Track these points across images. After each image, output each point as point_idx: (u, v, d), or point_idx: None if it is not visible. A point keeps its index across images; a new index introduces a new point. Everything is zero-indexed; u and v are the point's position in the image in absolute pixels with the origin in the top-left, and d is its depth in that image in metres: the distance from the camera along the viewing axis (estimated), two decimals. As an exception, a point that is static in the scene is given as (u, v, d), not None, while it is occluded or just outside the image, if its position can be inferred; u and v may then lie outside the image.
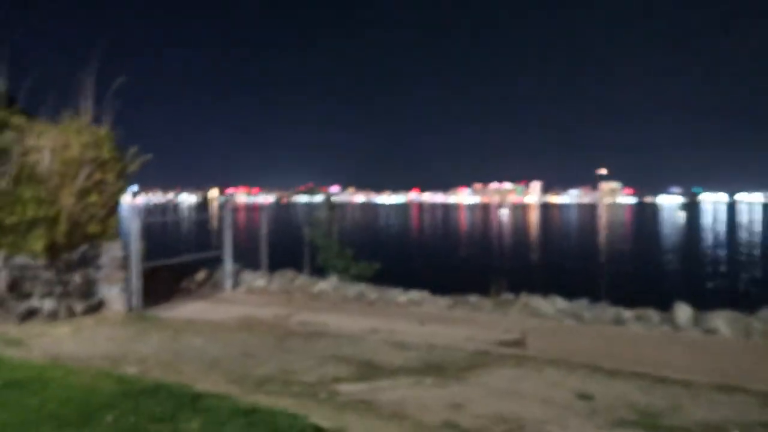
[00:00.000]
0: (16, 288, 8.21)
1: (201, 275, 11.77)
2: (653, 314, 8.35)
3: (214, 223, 12.56)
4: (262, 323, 8.41)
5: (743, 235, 51.59)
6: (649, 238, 48.52)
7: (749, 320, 7.74)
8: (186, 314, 9.00)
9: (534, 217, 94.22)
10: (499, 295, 9.74)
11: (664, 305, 8.59)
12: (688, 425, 4.64)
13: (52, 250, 8.54)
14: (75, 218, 8.87)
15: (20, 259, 8.27)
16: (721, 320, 7.75)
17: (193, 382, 5.43)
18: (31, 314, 8.27)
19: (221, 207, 12.30)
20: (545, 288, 10.21)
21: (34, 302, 8.37)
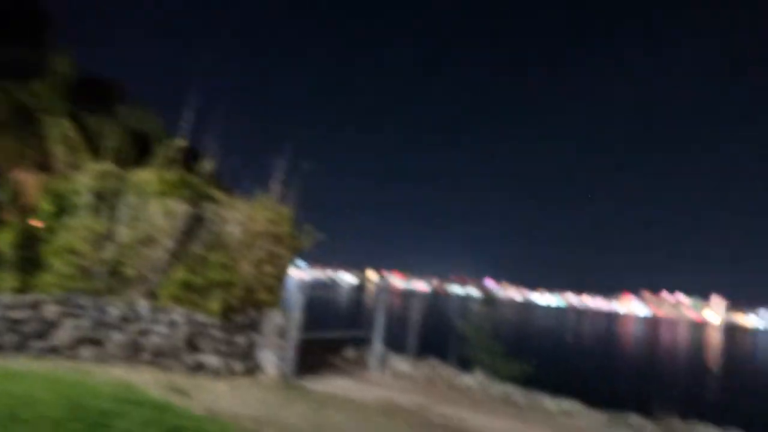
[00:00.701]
0: (191, 342, 9.11)
1: (350, 353, 12.09)
2: None
3: (369, 303, 12.97)
4: (402, 409, 8.32)
5: None
6: None
7: None
8: (331, 389, 9.23)
9: (714, 339, 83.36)
10: (667, 420, 8.65)
11: None
12: None
13: (226, 312, 9.41)
14: (249, 285, 9.74)
15: (199, 317, 9.20)
16: None
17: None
18: (198, 368, 9.06)
19: (377, 289, 12.72)
20: (723, 421, 8.87)
21: (203, 357, 9.18)
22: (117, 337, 8.65)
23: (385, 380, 10.59)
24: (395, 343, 12.60)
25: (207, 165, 10.30)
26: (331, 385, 9.59)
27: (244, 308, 9.73)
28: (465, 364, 12.21)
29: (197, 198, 9.98)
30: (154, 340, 8.85)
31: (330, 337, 12.06)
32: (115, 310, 8.78)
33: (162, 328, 8.95)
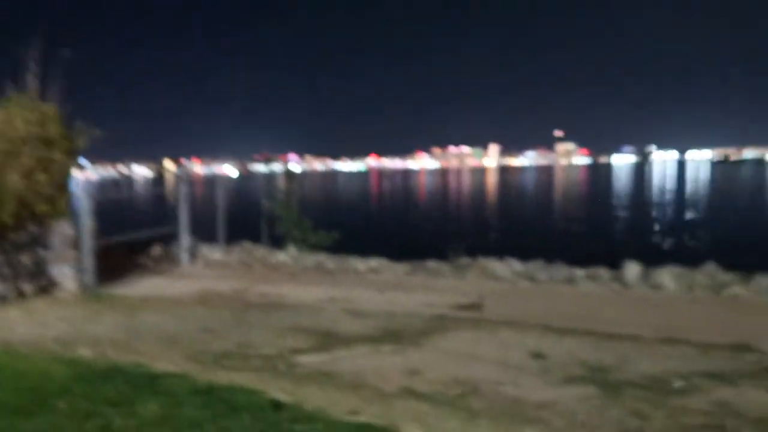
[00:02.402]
0: (-41, 273, 7.91)
1: (157, 251, 11.57)
2: (604, 273, 8.65)
3: (170, 196, 12.31)
4: (220, 297, 8.35)
5: (689, 192, 53.70)
6: (601, 198, 49.89)
7: (693, 275, 8.11)
8: (142, 291, 8.86)
9: (492, 181, 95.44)
10: (457, 260, 9.90)
11: (615, 263, 8.90)
12: (634, 378, 4.86)
13: (-1, 232, 8.23)
14: (22, 198, 8.54)
15: (-37, 242, 7.95)
16: (667, 276, 8.09)
17: (150, 361, 5.37)
18: (-23, 299, 7.99)
19: (177, 180, 12.04)
20: (502, 251, 10.42)
21: (-19, 286, 8.08)
22: None
23: (199, 272, 10.44)
24: (205, 233, 12.31)
25: None
26: (141, 287, 9.19)
27: (22, 224, 8.59)
28: (278, 242, 12.47)
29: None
30: None
31: (132, 239, 11.34)
32: None
33: None
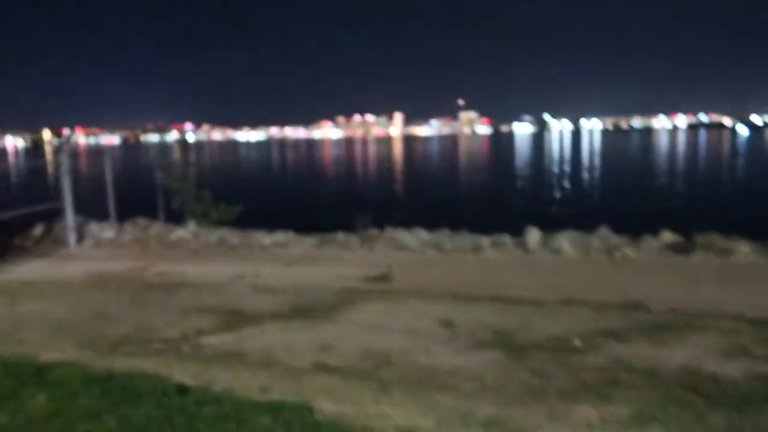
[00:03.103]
0: None
1: (38, 230, 10.62)
2: (508, 240, 8.96)
3: (51, 170, 11.28)
4: (114, 278, 7.80)
5: (584, 160, 57.22)
6: (502, 167, 52.01)
7: (589, 239, 8.59)
8: (23, 275, 8.10)
9: (397, 151, 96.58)
10: (365, 231, 9.87)
11: (518, 230, 9.23)
12: (537, 340, 5.07)
13: None
14: None
15: None
16: (565, 241, 8.52)
17: (38, 351, 4.91)
18: None
19: (57, 151, 11.04)
20: (409, 221, 10.51)
21: None
22: None
23: (88, 252, 9.70)
24: (94, 210, 11.44)
25: None
26: (23, 270, 8.40)
27: None
28: (176, 217, 11.83)
29: None
30: None
31: (9, 218, 10.32)
32: None
33: None
